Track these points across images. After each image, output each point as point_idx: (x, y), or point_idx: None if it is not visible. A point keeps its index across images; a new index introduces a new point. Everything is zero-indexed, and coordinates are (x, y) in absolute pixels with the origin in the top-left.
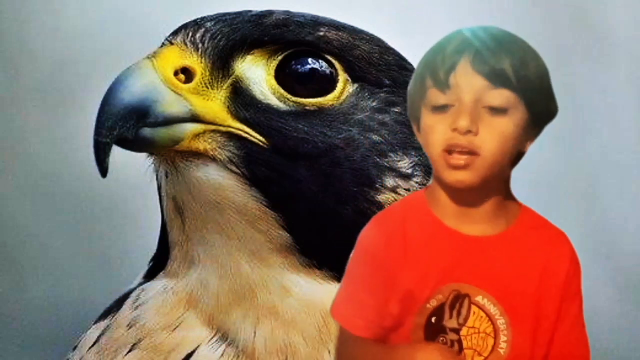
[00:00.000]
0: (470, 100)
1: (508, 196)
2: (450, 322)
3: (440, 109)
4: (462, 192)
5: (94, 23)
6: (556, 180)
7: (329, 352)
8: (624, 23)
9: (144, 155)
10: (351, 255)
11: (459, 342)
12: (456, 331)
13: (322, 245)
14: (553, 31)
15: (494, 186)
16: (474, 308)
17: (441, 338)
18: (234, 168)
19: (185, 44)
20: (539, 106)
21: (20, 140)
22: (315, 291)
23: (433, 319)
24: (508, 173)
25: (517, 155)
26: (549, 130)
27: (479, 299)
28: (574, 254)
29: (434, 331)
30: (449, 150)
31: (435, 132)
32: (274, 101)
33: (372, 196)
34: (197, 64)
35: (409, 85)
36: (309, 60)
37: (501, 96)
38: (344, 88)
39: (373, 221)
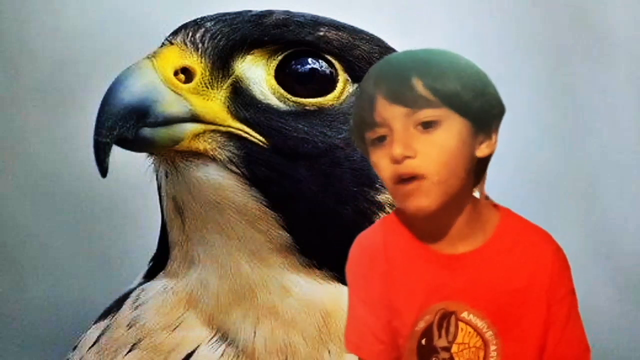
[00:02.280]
0: (399, 128)
1: (481, 209)
2: (440, 342)
3: (378, 141)
4: (428, 217)
5: (94, 23)
6: (556, 180)
7: (329, 352)
8: (624, 23)
9: (144, 155)
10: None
11: (451, 359)
12: (447, 349)
13: (322, 245)
14: (553, 31)
15: (459, 202)
16: (461, 325)
17: (434, 358)
18: (234, 168)
19: (185, 44)
20: (474, 110)
21: (20, 140)
22: (315, 291)
23: (423, 341)
24: (472, 181)
25: (479, 162)
26: (549, 130)
27: (465, 315)
28: (559, 256)
29: (426, 353)
30: (397, 182)
31: (381, 169)
32: (274, 101)
33: (372, 196)
34: (197, 64)
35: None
36: (309, 60)
37: (427, 114)
38: (344, 88)
39: (356, 245)
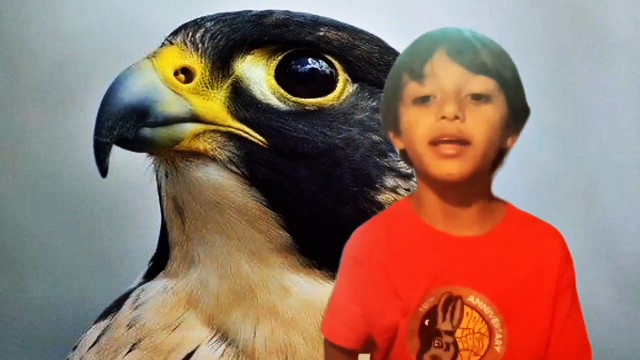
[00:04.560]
0: (452, 89)
1: (492, 198)
2: (444, 325)
3: (422, 101)
4: (451, 188)
5: (94, 23)
6: (556, 180)
7: None
8: (624, 23)
9: (144, 155)
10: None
11: (454, 344)
12: (451, 333)
13: (322, 245)
14: (553, 31)
15: (480, 188)
16: (467, 309)
17: (436, 341)
18: (234, 168)
19: (185, 44)
20: (516, 100)
21: (20, 140)
22: (315, 291)
23: (426, 322)
24: (491, 175)
25: (499, 155)
26: (549, 130)
27: (471, 299)
28: (565, 248)
29: (428, 335)
30: (435, 142)
31: (419, 126)
32: (274, 101)
33: (372, 196)
34: (197, 64)
35: (383, 96)
36: (309, 60)
37: (483, 83)
38: (344, 88)
39: (356, 232)
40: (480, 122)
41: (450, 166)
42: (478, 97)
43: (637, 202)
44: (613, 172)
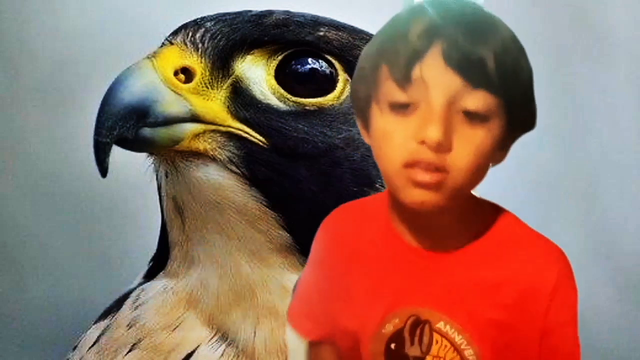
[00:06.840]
0: (442, 104)
1: (476, 206)
2: (412, 350)
3: (400, 108)
4: (422, 213)
5: (94, 23)
6: (556, 180)
7: None
8: (624, 23)
9: (144, 155)
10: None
11: None
12: (420, 359)
13: None
14: (553, 31)
15: (459, 202)
16: (436, 336)
17: None
18: (234, 168)
19: (185, 44)
20: (519, 108)
21: (20, 140)
22: None
23: (392, 346)
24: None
25: None
26: (549, 130)
27: (440, 325)
28: (564, 273)
29: (395, 359)
30: (409, 165)
31: (392, 141)
32: (274, 101)
33: None
34: (197, 64)
35: (355, 71)
36: (309, 60)
37: (481, 100)
38: (344, 88)
39: (328, 219)
40: (468, 150)
41: (423, 195)
42: (473, 117)
43: (637, 202)
44: (613, 172)
